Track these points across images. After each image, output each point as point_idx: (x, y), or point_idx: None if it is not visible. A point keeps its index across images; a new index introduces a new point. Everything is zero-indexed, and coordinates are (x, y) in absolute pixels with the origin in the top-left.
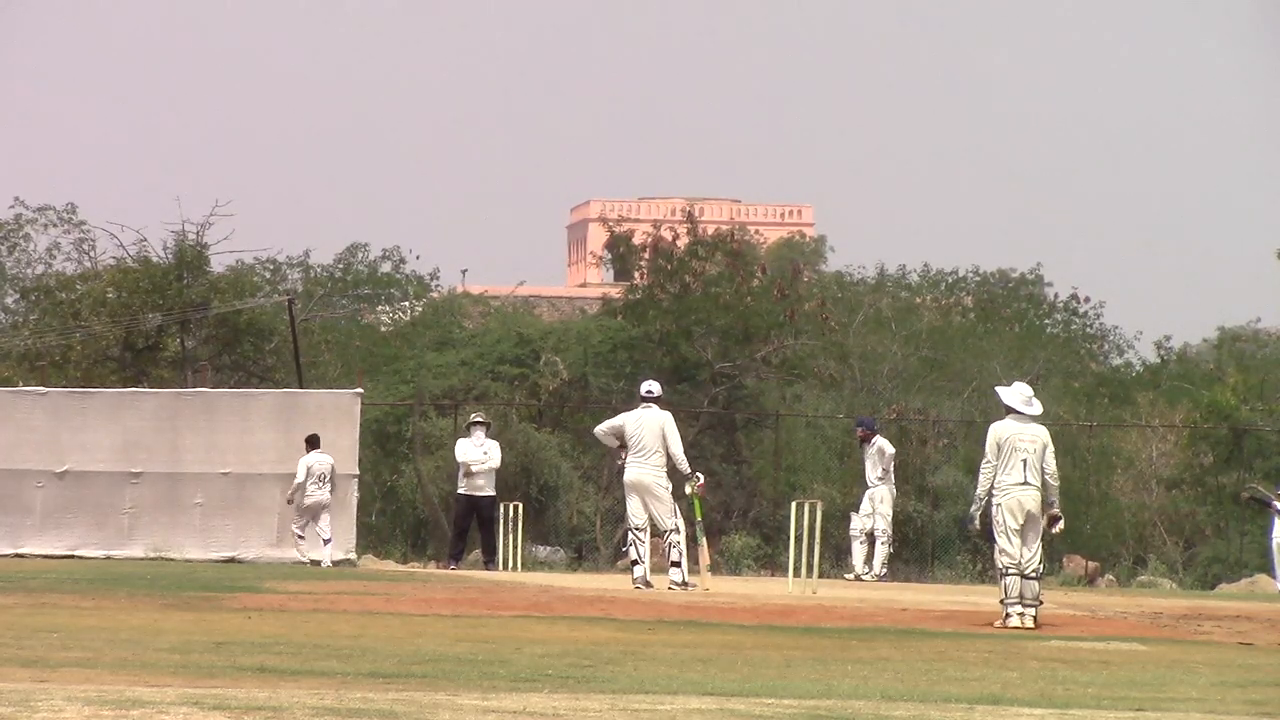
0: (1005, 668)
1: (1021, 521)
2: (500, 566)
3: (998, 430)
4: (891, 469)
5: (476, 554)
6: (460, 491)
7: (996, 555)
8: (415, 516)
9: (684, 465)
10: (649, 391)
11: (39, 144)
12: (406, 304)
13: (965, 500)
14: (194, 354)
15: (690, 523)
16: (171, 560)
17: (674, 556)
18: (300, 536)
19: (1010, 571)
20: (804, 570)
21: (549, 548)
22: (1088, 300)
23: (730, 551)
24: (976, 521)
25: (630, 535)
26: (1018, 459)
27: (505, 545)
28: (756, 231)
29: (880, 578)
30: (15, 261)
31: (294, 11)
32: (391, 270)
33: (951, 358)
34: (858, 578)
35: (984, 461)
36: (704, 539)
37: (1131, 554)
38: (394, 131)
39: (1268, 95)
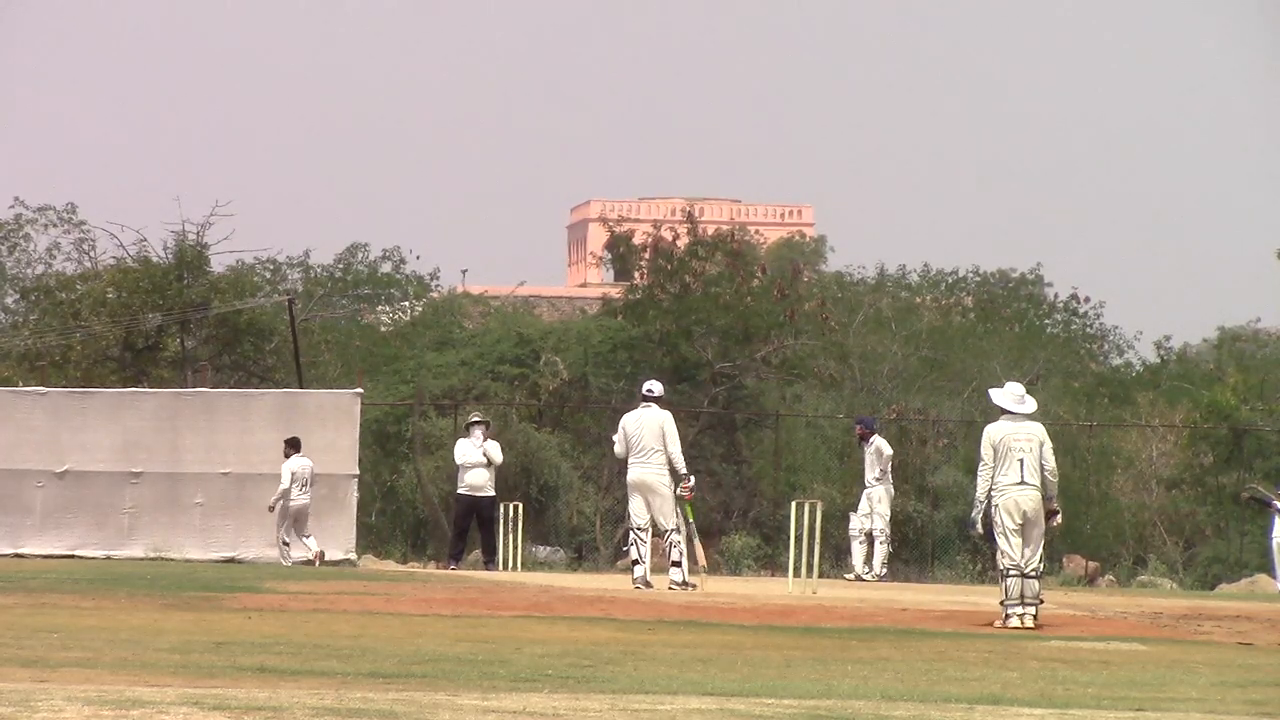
0: (1005, 668)
1: (1020, 522)
2: (500, 567)
3: (991, 432)
4: (889, 469)
5: (476, 554)
6: (460, 491)
7: (997, 556)
8: (415, 516)
9: (680, 465)
10: (649, 391)
11: (39, 144)
12: (406, 304)
13: (965, 500)
14: (194, 354)
15: (683, 525)
16: (171, 560)
17: (674, 556)
18: (286, 543)
19: (1011, 572)
20: (804, 570)
21: (549, 548)
22: (1088, 300)
23: (730, 551)
24: (979, 525)
25: (631, 535)
26: (1014, 459)
27: (505, 545)
28: (756, 231)
29: (880, 578)
30: (15, 261)
31: (294, 11)
32: (391, 270)
33: (951, 358)
34: (858, 578)
35: (980, 464)
36: (696, 542)
37: (1131, 554)
38: (394, 131)
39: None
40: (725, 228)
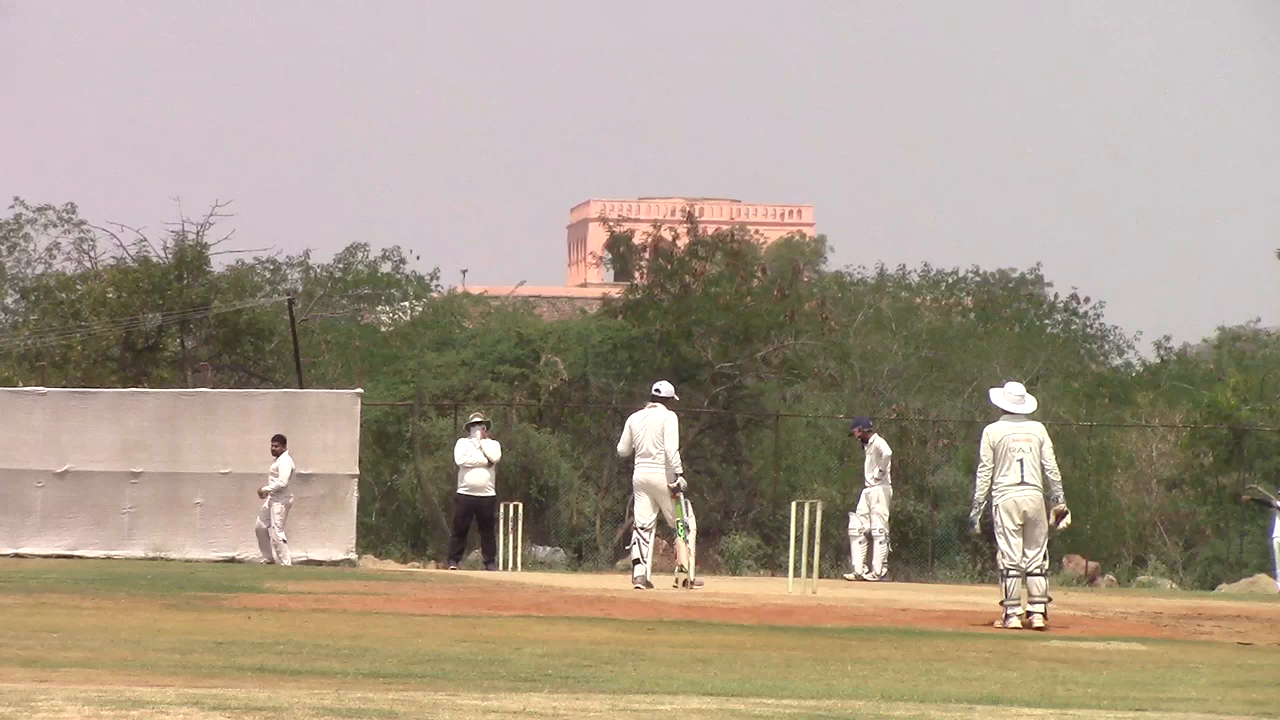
0: (1005, 668)
1: (1019, 522)
2: (500, 567)
3: (990, 433)
4: (888, 469)
5: (476, 554)
6: (460, 491)
7: (997, 557)
8: (415, 516)
9: (675, 465)
10: (657, 391)
11: (39, 144)
12: (406, 304)
13: (965, 500)
14: (194, 354)
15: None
16: (171, 560)
17: (681, 558)
18: (285, 541)
19: (1011, 573)
20: (804, 570)
21: (549, 548)
22: (1088, 300)
23: (730, 551)
24: (977, 525)
25: (635, 534)
26: (1013, 459)
27: (505, 545)
28: (756, 231)
29: (880, 578)
30: (15, 261)
31: (294, 11)
32: (391, 270)
33: (951, 358)
34: (858, 578)
35: (979, 465)
36: (680, 542)
37: (1131, 554)
38: (394, 131)
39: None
40: (725, 228)
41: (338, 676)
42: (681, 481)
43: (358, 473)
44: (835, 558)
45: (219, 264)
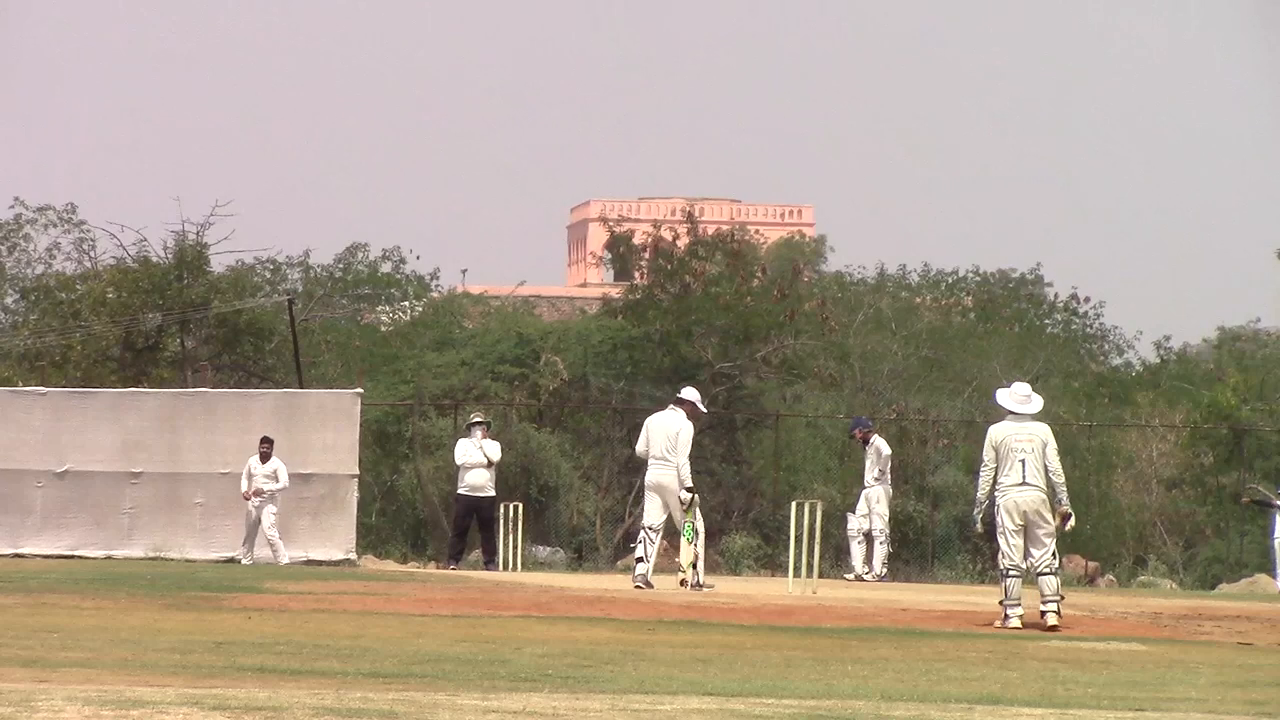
0: (1005, 668)
1: (1020, 523)
2: (500, 567)
3: (993, 433)
4: (888, 469)
5: (476, 554)
6: (460, 491)
7: (998, 556)
8: (415, 516)
9: (685, 477)
10: (678, 394)
11: (39, 144)
12: (406, 304)
13: (965, 500)
14: (194, 354)
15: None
16: (171, 560)
17: (688, 558)
18: (279, 538)
19: (1011, 573)
20: (804, 570)
21: (549, 548)
22: (1088, 300)
23: (730, 551)
24: (979, 525)
25: (642, 534)
26: (1016, 459)
27: (505, 545)
28: (756, 231)
29: (880, 578)
30: (15, 261)
31: (294, 11)
32: (391, 270)
33: (951, 358)
34: (858, 578)
35: (982, 465)
36: (684, 543)
37: (1131, 554)
38: (394, 131)
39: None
40: (725, 228)
41: (338, 676)
42: (685, 495)
43: (358, 473)
44: (835, 558)
45: (219, 264)
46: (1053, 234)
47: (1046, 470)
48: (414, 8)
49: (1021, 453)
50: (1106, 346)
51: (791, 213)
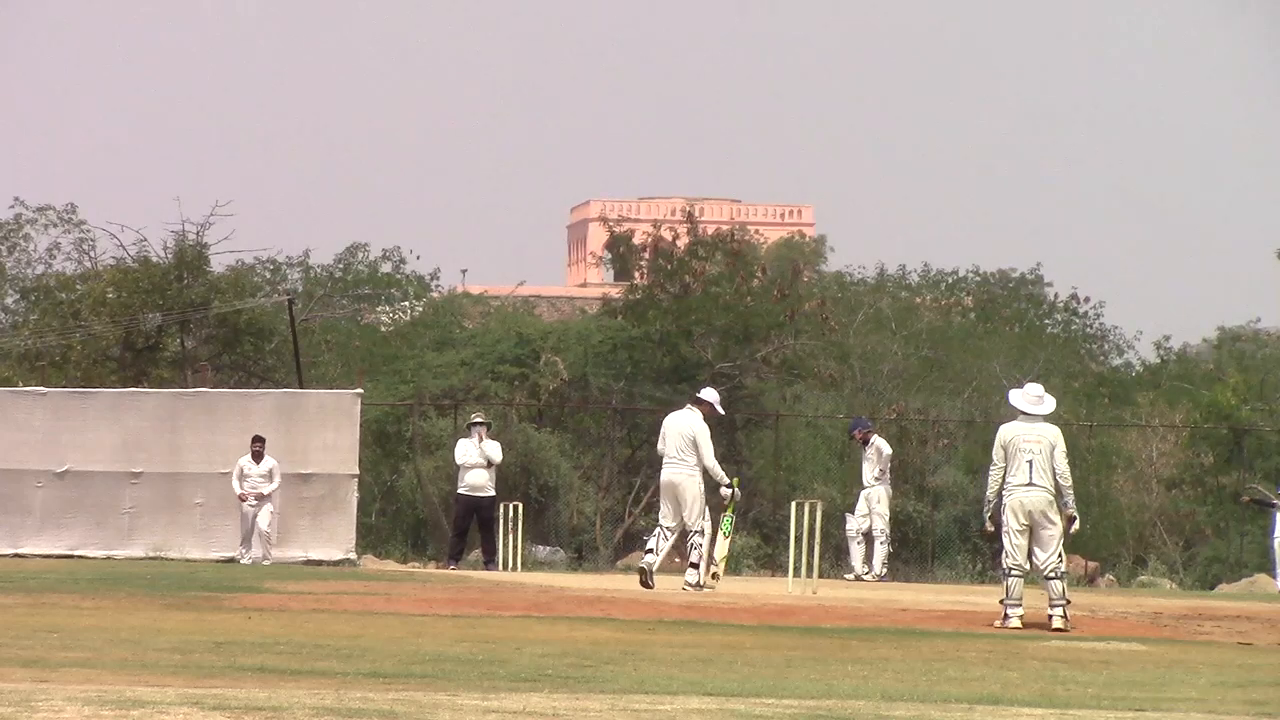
0: (1005, 668)
1: (1025, 523)
2: (500, 567)
3: (1003, 432)
4: (888, 469)
5: (476, 554)
6: (460, 491)
7: (1001, 556)
8: (415, 516)
9: (717, 476)
10: (696, 394)
11: (39, 144)
12: (406, 304)
13: (965, 500)
14: (194, 354)
15: (715, 525)
16: (171, 560)
17: (693, 558)
18: (273, 538)
19: (1013, 572)
20: (804, 570)
21: (549, 548)
22: (1088, 300)
23: (730, 551)
24: (988, 524)
25: (657, 529)
26: (1023, 460)
27: (505, 545)
28: (756, 231)
29: (880, 578)
30: (15, 261)
31: (294, 11)
32: (391, 270)
33: (951, 358)
34: (858, 578)
35: (991, 464)
36: (723, 539)
37: (1131, 554)
38: (394, 131)
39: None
40: (725, 228)
41: (338, 676)
42: (726, 492)
43: (358, 473)
44: (835, 558)
45: (219, 264)
46: (1053, 234)
47: (1054, 472)
48: (414, 8)
49: (1029, 453)
50: (1106, 346)
51: (791, 213)
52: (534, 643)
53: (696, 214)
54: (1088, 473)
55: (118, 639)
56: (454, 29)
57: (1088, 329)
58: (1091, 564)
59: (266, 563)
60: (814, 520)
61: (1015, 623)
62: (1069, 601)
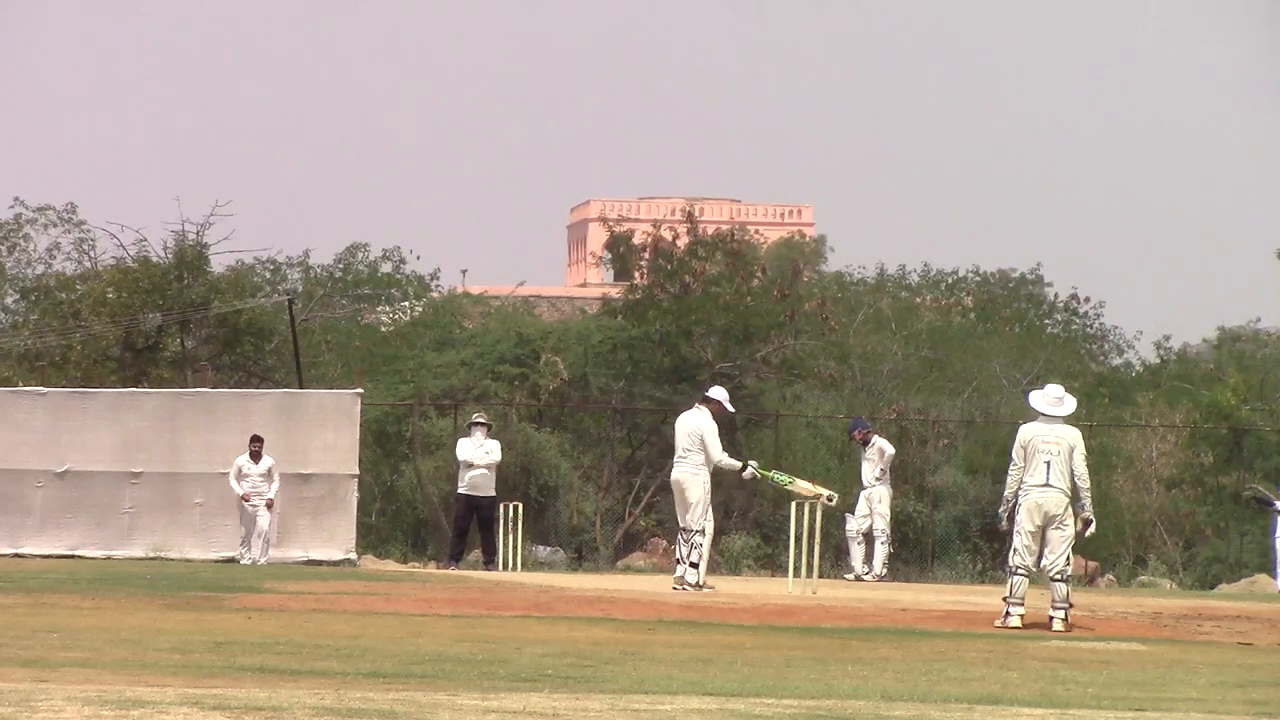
0: (1005, 668)
1: (1038, 523)
2: (500, 567)
3: (1023, 432)
4: (890, 469)
5: (476, 554)
6: (460, 491)
7: (1009, 553)
8: (415, 516)
9: (727, 464)
10: (705, 393)
11: (39, 144)
12: (406, 304)
13: (965, 500)
14: (194, 354)
15: (777, 485)
16: (171, 560)
17: (693, 557)
18: (272, 538)
19: (1018, 571)
20: (804, 570)
21: (549, 548)
22: (1088, 300)
23: (730, 551)
24: (1004, 522)
25: (679, 536)
26: (1040, 460)
27: (505, 545)
28: (756, 231)
29: (880, 578)
30: (15, 261)
31: (294, 11)
32: (391, 270)
33: (951, 358)
34: (858, 578)
35: (1011, 464)
36: (797, 482)
37: (1131, 554)
38: (394, 131)
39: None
40: (725, 228)
41: (338, 676)
42: (749, 474)
43: (358, 473)
44: (835, 558)
45: (219, 264)
46: (1053, 234)
47: (1072, 475)
48: (414, 7)
49: (1047, 454)
50: (1106, 346)
51: (791, 213)
52: (534, 643)
53: (696, 214)
54: (1088, 472)
55: (118, 639)
56: (454, 29)
57: (1088, 329)
58: (1091, 564)
59: (264, 562)
60: (814, 520)
61: (1015, 621)
62: (1071, 605)
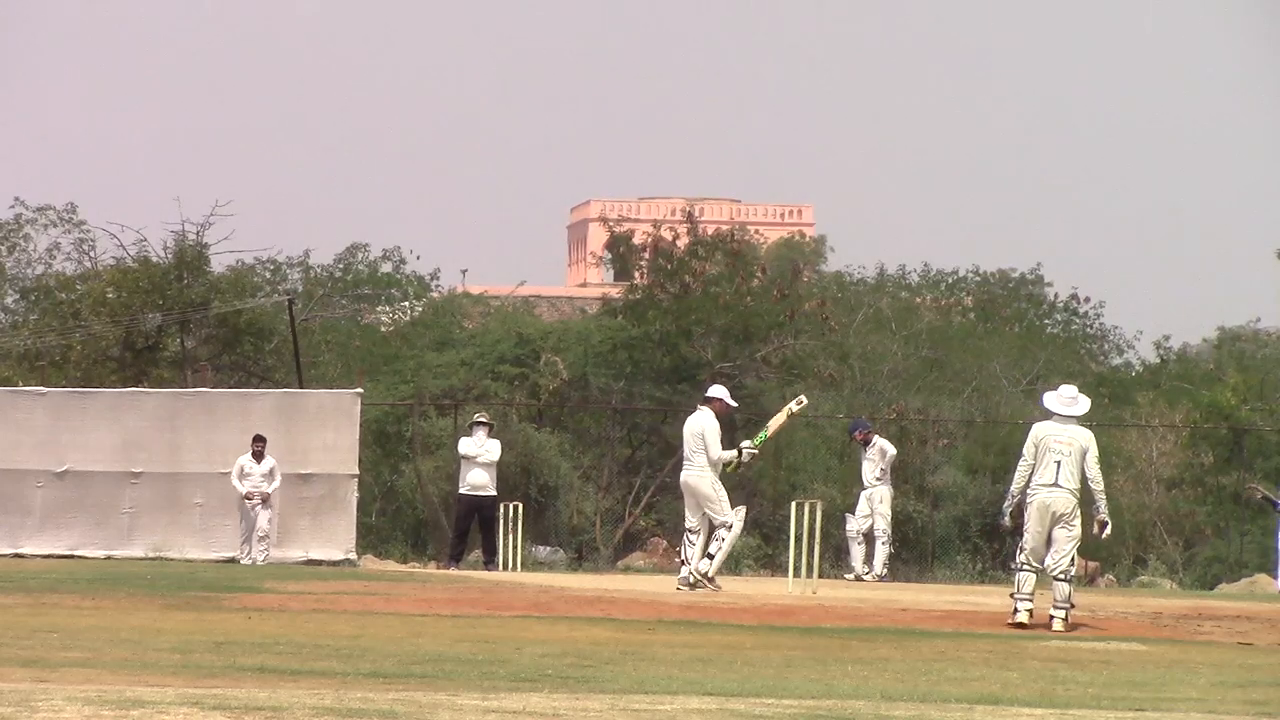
0: (1005, 668)
1: (1046, 523)
2: (500, 567)
3: (1035, 431)
4: (890, 469)
5: (476, 554)
6: (462, 491)
7: (1017, 550)
8: (415, 516)
9: (727, 456)
10: (705, 395)
11: (39, 144)
12: (406, 304)
13: (965, 500)
14: (194, 354)
15: (764, 440)
16: (171, 560)
17: (711, 548)
18: (272, 538)
19: (1025, 568)
20: (804, 570)
21: (549, 548)
22: (1088, 300)
23: (735, 551)
24: (1007, 518)
25: (685, 536)
26: (1051, 460)
27: (505, 545)
28: (756, 231)
29: (881, 578)
30: (15, 261)
31: (294, 11)
32: (391, 270)
33: (951, 358)
34: (858, 578)
35: (1020, 460)
36: (770, 425)
37: (1131, 554)
38: (394, 131)
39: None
40: (725, 228)
41: (338, 676)
42: (747, 455)
43: (358, 473)
44: (835, 558)
45: (219, 264)
46: (1053, 234)
47: (1084, 476)
48: (414, 7)
49: (1058, 454)
50: (1106, 346)
51: (791, 213)
52: (534, 643)
53: (696, 214)
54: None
55: (118, 639)
56: (454, 29)
57: (1088, 329)
58: (1091, 564)
59: (263, 563)
60: (814, 520)
61: (1022, 617)
62: (1073, 606)
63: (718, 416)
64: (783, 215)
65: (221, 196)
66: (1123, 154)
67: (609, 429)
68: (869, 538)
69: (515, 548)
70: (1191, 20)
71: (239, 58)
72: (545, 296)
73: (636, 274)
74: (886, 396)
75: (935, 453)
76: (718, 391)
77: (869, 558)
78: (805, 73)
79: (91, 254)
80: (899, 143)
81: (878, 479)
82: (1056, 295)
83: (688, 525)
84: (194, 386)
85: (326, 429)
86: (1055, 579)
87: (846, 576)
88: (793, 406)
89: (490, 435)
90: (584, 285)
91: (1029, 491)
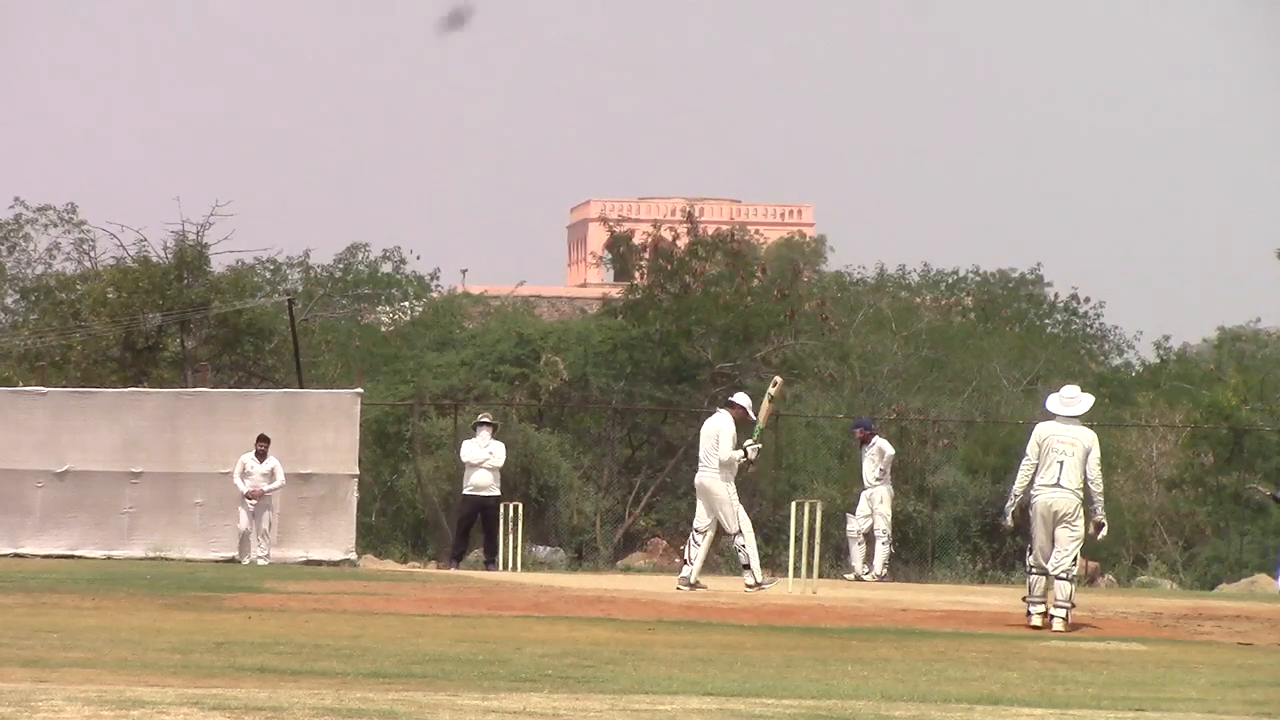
0: (1005, 668)
1: (1050, 523)
2: (500, 567)
3: (1038, 431)
4: (889, 469)
5: (476, 554)
6: (466, 491)
7: (1026, 553)
8: (415, 516)
9: (735, 455)
10: (728, 398)
11: (39, 144)
12: (406, 304)
13: (965, 500)
14: (194, 354)
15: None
16: (171, 560)
17: (742, 560)
18: (271, 538)
19: (1034, 570)
20: (804, 570)
21: (549, 548)
22: (1088, 300)
23: (730, 551)
24: (1009, 518)
25: (691, 535)
26: (1054, 460)
27: (505, 545)
28: (756, 231)
29: (881, 578)
30: (15, 261)
31: (294, 11)
32: (392, 270)
33: (951, 358)
34: (858, 578)
35: (1023, 460)
36: (762, 410)
37: (1131, 554)
38: (394, 131)
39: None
40: (725, 228)
41: (338, 676)
42: (753, 451)
43: (358, 473)
44: (835, 558)
45: (219, 264)
46: (1053, 234)
47: (1086, 477)
48: (414, 7)
49: (1061, 454)
50: (1106, 346)
51: (791, 213)
52: (534, 643)
53: (696, 214)
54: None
55: (118, 639)
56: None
57: (1088, 329)
58: (1091, 564)
59: (263, 563)
60: (814, 520)
61: (1036, 620)
62: (1074, 606)
63: (735, 423)
64: (783, 215)
65: (221, 196)
66: (1123, 154)
67: (609, 429)
68: (869, 538)
69: (515, 548)
70: (1191, 20)
71: (239, 58)
72: (545, 296)
73: (636, 274)
74: (886, 396)
75: (935, 453)
76: (742, 399)
77: (869, 558)
78: (805, 73)
79: (91, 254)
80: (899, 143)
81: (877, 479)
82: (1056, 295)
83: (695, 525)
84: (194, 386)
85: (326, 429)
86: (1057, 578)
87: (846, 576)
88: (771, 391)
89: (494, 435)
90: (584, 285)
91: (1032, 492)
